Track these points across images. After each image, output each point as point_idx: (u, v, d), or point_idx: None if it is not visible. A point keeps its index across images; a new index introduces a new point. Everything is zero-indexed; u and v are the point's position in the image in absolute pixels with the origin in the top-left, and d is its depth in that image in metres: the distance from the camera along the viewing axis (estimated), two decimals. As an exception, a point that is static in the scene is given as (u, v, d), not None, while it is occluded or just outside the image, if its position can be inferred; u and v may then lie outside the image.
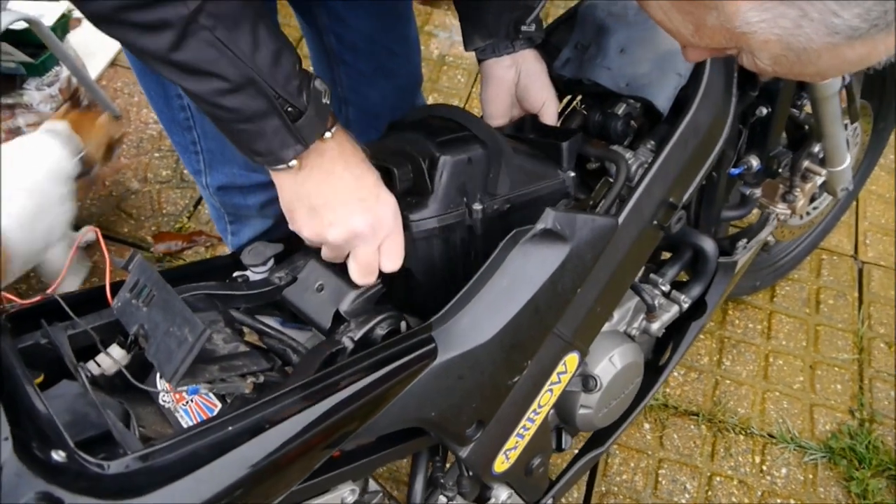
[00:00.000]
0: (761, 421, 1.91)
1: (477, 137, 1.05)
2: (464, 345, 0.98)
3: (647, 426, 1.88)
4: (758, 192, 1.48)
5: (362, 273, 0.98)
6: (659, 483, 1.81)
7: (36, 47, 2.26)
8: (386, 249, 0.97)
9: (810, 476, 1.84)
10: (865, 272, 2.22)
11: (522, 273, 1.01)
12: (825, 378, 1.99)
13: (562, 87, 1.29)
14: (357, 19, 1.39)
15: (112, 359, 0.90)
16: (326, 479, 1.00)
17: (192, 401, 0.94)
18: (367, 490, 1.13)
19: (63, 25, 2.34)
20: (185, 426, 0.94)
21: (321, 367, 0.92)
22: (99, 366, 0.91)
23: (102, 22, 0.77)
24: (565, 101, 1.35)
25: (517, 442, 1.15)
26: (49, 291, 0.97)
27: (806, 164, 1.59)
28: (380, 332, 0.99)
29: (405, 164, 1.02)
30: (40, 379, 0.89)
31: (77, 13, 2.59)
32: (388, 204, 0.96)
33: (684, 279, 1.40)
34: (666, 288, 1.33)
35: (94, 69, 2.54)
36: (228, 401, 0.93)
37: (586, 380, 1.24)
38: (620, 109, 1.21)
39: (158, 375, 0.95)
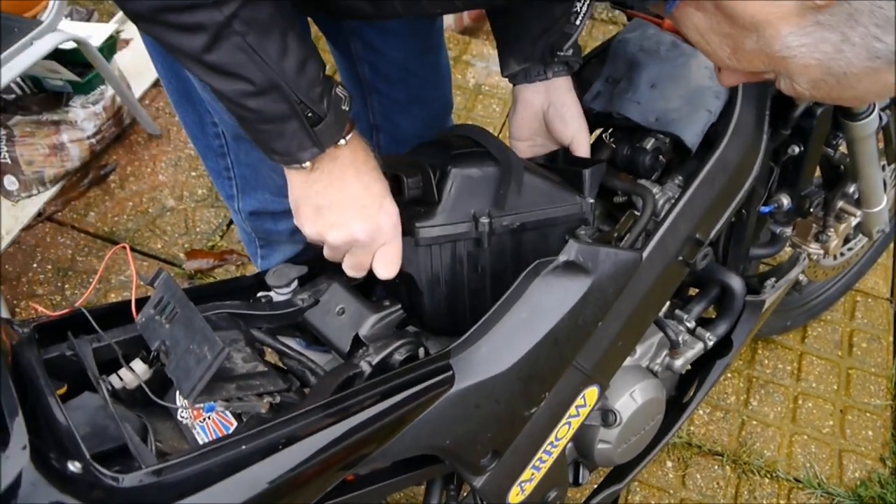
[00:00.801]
0: (788, 464, 1.86)
1: (490, 154, 1.06)
2: (481, 374, 0.98)
3: (669, 464, 1.85)
4: (788, 230, 1.46)
5: (352, 270, 1.01)
6: (681, 523, 1.78)
7: (83, 66, 2.33)
8: (381, 256, 0.99)
9: (838, 524, 1.79)
10: (901, 316, 2.17)
11: (543, 304, 1.01)
12: (856, 423, 1.95)
13: (592, 119, 1.29)
14: (390, 49, 1.41)
15: (133, 373, 0.92)
16: (339, 502, 1.00)
17: (209, 418, 0.95)
18: (380, 515, 1.13)
19: (110, 46, 2.41)
20: (201, 443, 0.95)
21: (338, 389, 0.93)
22: (121, 379, 0.93)
23: (141, 20, 0.81)
24: (595, 134, 1.35)
25: (533, 474, 1.14)
26: (77, 304, 0.99)
27: (840, 204, 1.57)
28: (398, 357, 0.99)
29: (416, 173, 1.04)
30: (63, 390, 0.91)
31: (124, 35, 2.68)
32: (389, 214, 0.98)
33: (711, 316, 1.39)
34: (691, 324, 1.32)
35: (138, 89, 2.61)
36: (245, 420, 0.93)
37: (606, 414, 1.23)
38: (649, 144, 1.21)
39: (177, 393, 0.96)
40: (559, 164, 1.23)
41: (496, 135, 1.17)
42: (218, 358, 0.82)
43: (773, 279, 1.43)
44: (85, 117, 2.37)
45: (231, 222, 2.32)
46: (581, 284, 1.02)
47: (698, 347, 1.32)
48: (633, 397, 1.25)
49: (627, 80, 1.25)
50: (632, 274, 1.07)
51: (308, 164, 0.91)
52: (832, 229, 1.59)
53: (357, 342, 1.01)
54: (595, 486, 1.43)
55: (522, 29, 1.17)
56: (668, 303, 1.30)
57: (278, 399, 0.93)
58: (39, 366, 0.86)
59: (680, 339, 1.29)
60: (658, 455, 1.83)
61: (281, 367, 1.06)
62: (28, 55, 2.02)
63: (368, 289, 1.13)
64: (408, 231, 1.02)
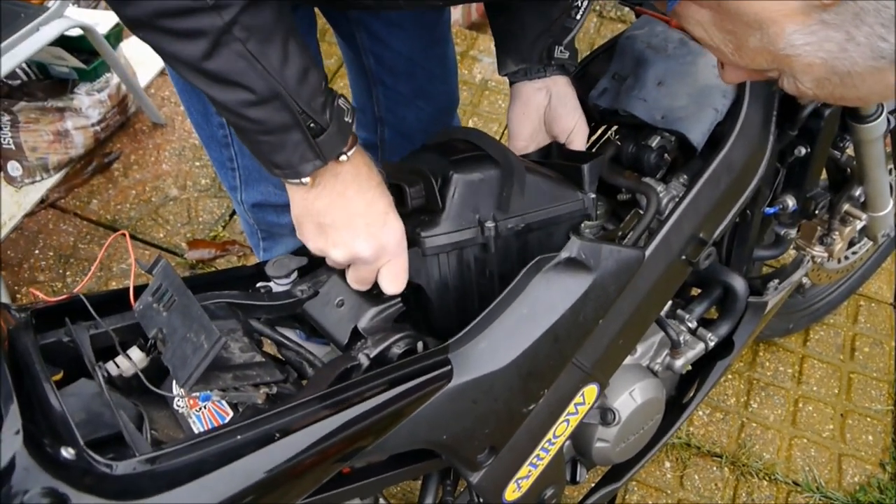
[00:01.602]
0: (787, 467, 1.86)
1: (490, 157, 1.05)
2: (480, 369, 0.98)
3: (667, 465, 1.85)
4: (793, 232, 1.45)
5: (356, 284, 1.00)
6: (678, 524, 1.77)
7: (89, 54, 2.33)
8: (386, 273, 0.97)
9: (836, 528, 1.78)
10: (905, 321, 2.16)
11: (544, 301, 1.01)
12: (856, 428, 1.94)
13: (597, 116, 1.29)
14: (397, 41, 1.40)
15: (130, 361, 0.91)
16: (335, 495, 0.99)
17: (204, 407, 0.95)
18: (376, 509, 1.13)
19: (117, 34, 2.40)
20: (196, 432, 0.94)
21: (335, 381, 0.92)
22: (118, 367, 0.93)
23: (138, 26, 0.79)
24: (600, 131, 1.35)
25: (530, 471, 1.14)
26: (76, 291, 0.99)
27: (846, 207, 1.56)
28: (396, 350, 0.99)
29: (418, 182, 1.03)
30: (59, 376, 0.90)
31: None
32: (394, 230, 0.95)
33: (713, 316, 1.38)
34: (693, 324, 1.31)
35: (143, 78, 2.61)
36: (241, 410, 0.93)
37: (605, 413, 1.22)
38: (654, 142, 1.20)
39: (174, 380, 0.96)
40: (553, 158, 1.22)
41: (501, 131, 1.16)
42: (215, 347, 0.81)
43: (777, 281, 1.42)
44: (90, 104, 2.37)
45: (234, 213, 2.32)
46: (583, 281, 1.02)
47: (699, 348, 1.31)
48: (632, 396, 1.24)
49: (634, 77, 1.24)
50: (634, 272, 1.07)
51: (308, 179, 0.89)
52: (837, 232, 1.58)
53: (356, 334, 1.00)
54: (592, 485, 1.42)
55: (520, 29, 1.17)
56: (669, 302, 1.29)
57: (275, 390, 0.92)
58: (36, 351, 0.86)
59: (681, 338, 1.28)
60: (656, 455, 1.82)
61: (279, 357, 1.05)
62: (34, 41, 2.01)
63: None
64: (413, 241, 1.00)
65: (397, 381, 0.92)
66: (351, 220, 0.93)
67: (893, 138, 1.53)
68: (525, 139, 1.21)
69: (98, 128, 2.41)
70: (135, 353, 0.94)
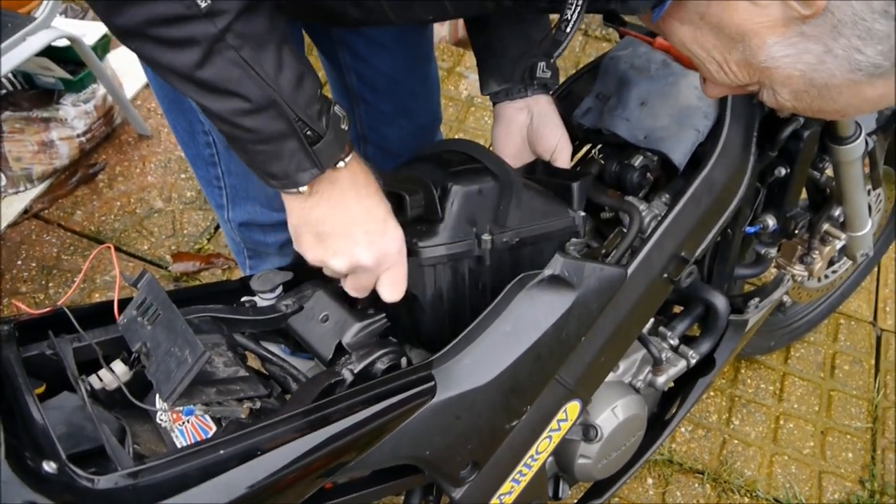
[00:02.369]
0: (768, 484, 1.87)
1: (489, 170, 1.06)
2: (463, 385, 0.98)
3: (650, 481, 1.85)
4: (773, 251, 1.47)
5: (355, 292, 0.99)
6: (659, 540, 1.78)
7: (76, 64, 2.33)
8: (386, 280, 0.97)
9: (816, 545, 1.79)
10: (884, 340, 2.18)
11: (527, 317, 1.01)
12: (836, 445, 1.96)
13: (581, 135, 1.30)
14: (379, 60, 1.41)
15: (113, 374, 0.91)
16: (316, 511, 0.99)
17: (188, 422, 0.94)
18: (357, 524, 1.12)
19: (104, 45, 2.40)
20: (179, 447, 0.94)
21: (319, 396, 0.92)
22: (100, 380, 0.92)
23: (129, 36, 0.77)
24: (584, 150, 1.36)
25: (513, 487, 1.14)
26: (60, 304, 0.98)
27: (825, 227, 1.59)
28: (380, 366, 0.99)
29: (417, 191, 1.03)
30: (41, 389, 0.90)
31: (118, 34, 2.67)
32: (394, 238, 0.95)
33: (695, 334, 1.39)
34: (674, 342, 1.32)
35: (130, 89, 2.61)
36: (224, 424, 0.93)
37: (587, 429, 1.23)
38: (637, 161, 1.22)
39: (157, 394, 0.96)
40: (539, 175, 1.24)
41: (487, 147, 1.17)
42: (199, 361, 0.82)
43: (757, 299, 1.43)
44: (75, 115, 2.36)
45: (219, 226, 2.31)
46: (565, 299, 1.03)
47: (681, 365, 1.32)
48: (614, 413, 1.25)
49: (617, 97, 1.26)
50: (616, 289, 1.08)
51: (306, 188, 0.87)
52: (817, 252, 1.60)
53: (340, 350, 1.01)
54: (575, 501, 1.43)
55: (502, 50, 1.18)
56: (652, 320, 1.30)
57: (258, 404, 0.92)
58: (18, 364, 0.86)
59: (663, 356, 1.29)
60: (639, 472, 1.83)
61: (263, 372, 1.06)
62: (21, 51, 2.01)
63: (353, 297, 1.12)
64: (411, 251, 1.00)
65: (381, 397, 0.93)
66: (350, 228, 0.92)
67: (871, 160, 1.55)
68: (509, 158, 1.22)
69: (83, 139, 2.41)
70: (118, 366, 0.93)
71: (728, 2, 0.75)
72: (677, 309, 1.40)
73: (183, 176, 2.45)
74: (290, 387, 1.01)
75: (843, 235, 1.60)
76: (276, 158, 0.84)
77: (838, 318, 2.21)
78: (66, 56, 2.28)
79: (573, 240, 1.16)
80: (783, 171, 1.32)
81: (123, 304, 0.96)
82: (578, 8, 0.83)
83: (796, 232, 1.45)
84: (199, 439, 0.94)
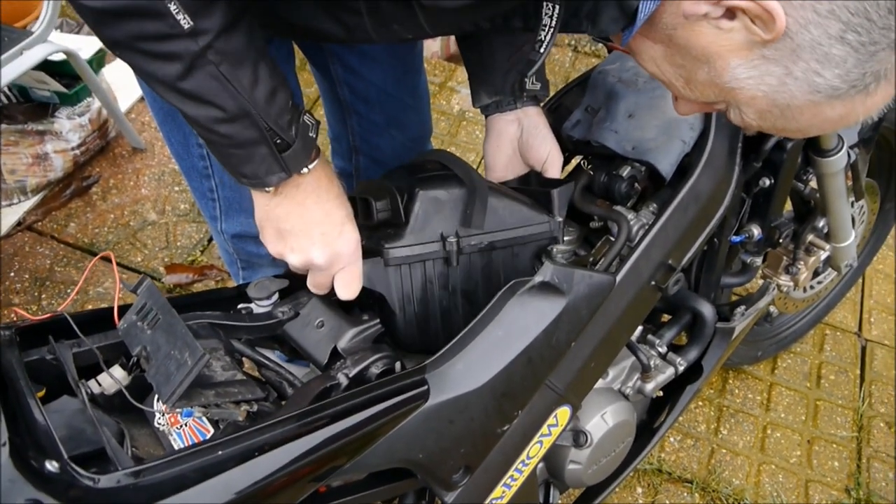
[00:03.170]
0: (755, 493, 1.89)
1: (456, 176, 1.10)
2: (456, 389, 1.00)
3: (639, 490, 1.87)
4: (759, 260, 1.50)
5: (314, 289, 1.05)
6: (649, 549, 1.79)
7: (71, 78, 2.35)
8: (340, 279, 1.02)
9: (803, 553, 1.81)
10: (868, 350, 2.22)
11: (518, 323, 1.04)
12: (822, 454, 1.98)
13: (570, 147, 1.33)
14: (370, 72, 1.44)
15: (113, 378, 0.93)
16: (312, 513, 1.01)
17: (186, 424, 0.96)
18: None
19: (99, 59, 2.43)
20: (177, 449, 0.96)
21: (314, 400, 0.94)
22: (100, 385, 0.94)
23: (118, 47, 0.82)
24: (574, 161, 1.39)
25: (504, 492, 1.16)
26: (59, 310, 1.00)
27: (810, 237, 1.62)
28: (375, 370, 1.01)
29: (384, 196, 1.08)
30: (42, 393, 0.91)
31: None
32: (348, 240, 1.00)
33: (683, 343, 1.42)
34: (663, 349, 1.35)
35: (124, 103, 2.63)
36: (222, 427, 0.95)
37: (577, 435, 1.25)
38: (625, 172, 1.24)
39: (156, 398, 0.97)
40: (532, 185, 1.27)
41: (479, 161, 1.20)
42: (199, 364, 0.84)
43: (744, 307, 1.46)
44: (70, 128, 2.38)
45: (212, 238, 2.33)
46: (556, 305, 1.05)
47: (669, 372, 1.35)
48: (604, 419, 1.27)
49: (606, 109, 1.29)
50: (605, 296, 1.10)
51: (271, 189, 0.94)
52: (802, 262, 1.63)
53: (335, 355, 1.03)
54: (565, 508, 1.45)
55: (492, 63, 1.21)
56: (640, 327, 1.33)
57: (255, 408, 0.94)
58: (20, 367, 0.87)
59: (651, 363, 1.32)
60: (628, 480, 1.85)
61: (259, 378, 1.07)
62: (17, 65, 2.03)
63: (348, 303, 1.15)
64: (377, 252, 1.06)
65: (375, 401, 0.95)
66: (308, 228, 0.98)
67: (853, 172, 1.59)
68: (501, 170, 1.25)
69: (78, 151, 2.42)
70: (117, 371, 0.95)
71: (693, 25, 0.79)
72: (665, 317, 1.43)
73: (177, 188, 2.47)
74: (286, 392, 1.03)
75: (828, 246, 1.63)
76: (248, 161, 0.91)
77: (824, 329, 2.24)
78: (61, 70, 2.30)
79: (560, 247, 1.19)
80: (767, 182, 1.36)
81: (122, 311, 0.98)
82: (552, 30, 0.87)
83: (781, 241, 1.48)
84: (196, 442, 0.95)
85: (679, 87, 0.87)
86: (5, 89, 2.34)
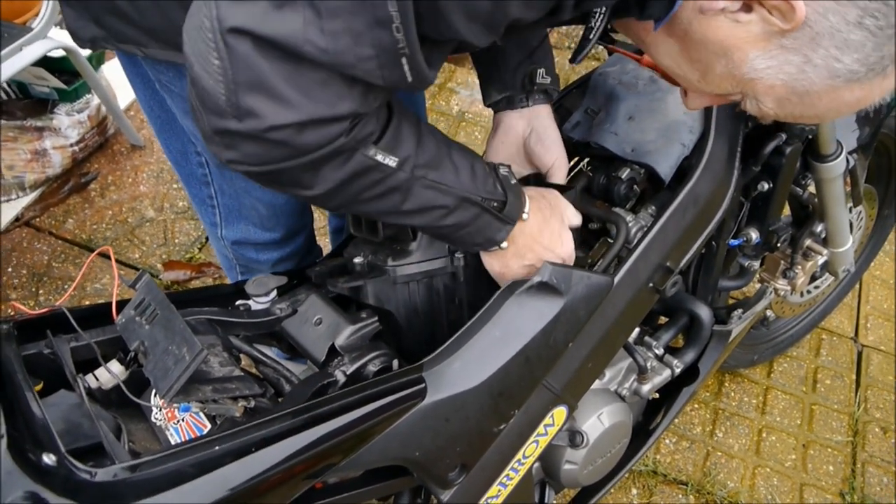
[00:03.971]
0: (750, 496, 1.89)
1: None
2: (453, 388, 1.00)
3: (634, 491, 1.88)
4: (756, 264, 1.50)
5: None
6: (644, 551, 1.80)
7: (70, 74, 2.35)
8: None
9: (797, 557, 1.82)
10: (865, 355, 2.22)
11: (516, 323, 1.04)
12: (817, 458, 1.99)
13: (570, 148, 1.33)
14: None
15: (110, 373, 0.93)
16: (308, 510, 1.01)
17: (183, 420, 0.96)
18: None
19: (99, 56, 2.43)
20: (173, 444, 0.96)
21: (312, 396, 0.94)
22: (97, 379, 0.94)
23: (343, 207, 0.88)
24: (573, 162, 1.39)
25: (500, 491, 1.16)
26: (57, 304, 1.00)
27: (808, 242, 1.62)
28: (372, 368, 1.01)
29: None
30: (39, 387, 0.91)
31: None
32: (568, 246, 1.09)
33: (680, 346, 1.42)
34: (659, 351, 1.35)
35: (123, 100, 2.62)
36: (219, 423, 0.95)
37: (573, 435, 1.25)
38: (624, 174, 1.25)
39: (153, 393, 0.97)
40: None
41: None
42: (197, 359, 0.84)
43: (741, 311, 1.47)
44: (69, 125, 2.38)
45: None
46: (554, 305, 1.05)
47: (666, 374, 1.35)
48: (600, 419, 1.27)
49: (606, 111, 1.29)
50: (603, 297, 1.10)
51: (506, 244, 1.01)
52: (799, 266, 1.64)
53: (333, 352, 1.03)
54: (560, 509, 1.45)
55: (502, 59, 1.21)
56: (638, 329, 1.33)
57: (253, 403, 0.94)
58: (18, 361, 0.87)
59: (648, 364, 1.32)
60: (623, 482, 1.85)
61: (256, 375, 1.07)
62: (16, 61, 2.03)
63: (346, 301, 1.15)
64: (383, 270, 1.08)
65: (372, 398, 0.95)
66: (542, 255, 1.05)
67: (852, 177, 1.59)
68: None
69: (76, 148, 2.42)
70: (114, 366, 0.95)
71: (710, 20, 0.79)
72: (662, 319, 1.43)
73: (175, 186, 2.47)
74: (284, 388, 1.03)
75: (825, 251, 1.63)
76: (478, 234, 0.98)
77: (820, 334, 2.24)
78: (60, 66, 2.30)
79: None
80: (766, 186, 1.36)
81: (120, 306, 0.98)
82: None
83: (779, 246, 1.48)
84: (193, 437, 0.95)
85: (694, 80, 0.87)
86: (4, 85, 2.34)
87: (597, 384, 1.29)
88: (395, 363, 1.04)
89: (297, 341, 1.07)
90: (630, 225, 1.20)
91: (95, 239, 2.32)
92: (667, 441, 1.98)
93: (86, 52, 2.31)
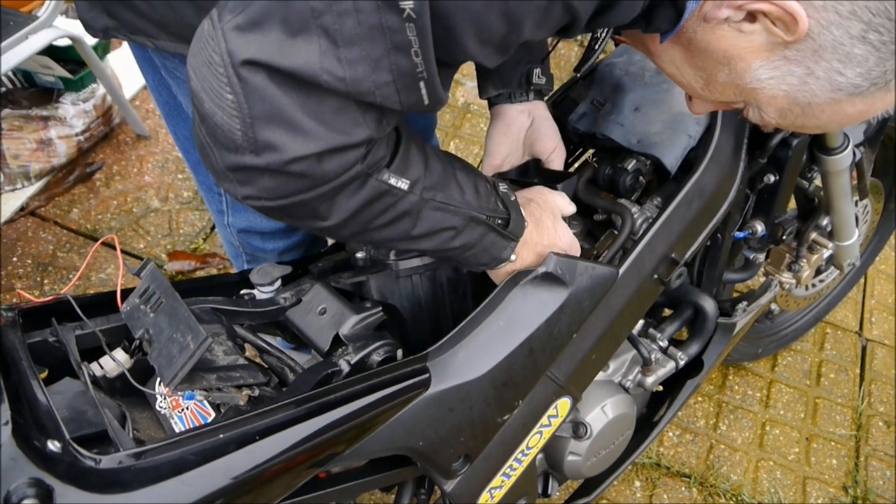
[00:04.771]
0: (753, 489, 1.90)
1: None
2: (457, 378, 1.00)
3: (637, 484, 1.88)
4: (762, 257, 1.50)
5: None
6: (646, 543, 1.80)
7: (76, 64, 2.35)
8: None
9: (800, 550, 1.82)
10: (869, 349, 2.22)
11: (520, 313, 1.04)
12: (821, 451, 1.98)
13: (576, 139, 1.33)
14: None
15: (115, 361, 0.93)
16: (309, 499, 1.01)
17: (187, 408, 0.96)
18: (350, 515, 1.14)
19: (104, 46, 2.42)
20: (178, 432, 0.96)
21: (316, 386, 0.94)
22: (101, 367, 0.95)
23: (354, 237, 0.87)
24: (579, 153, 1.39)
25: (503, 481, 1.16)
26: (63, 292, 1.00)
27: (813, 235, 1.62)
28: (376, 357, 1.01)
29: None
30: (44, 374, 0.92)
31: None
32: (565, 237, 1.09)
33: (684, 338, 1.42)
34: (664, 343, 1.35)
35: (129, 89, 2.63)
36: (223, 411, 0.95)
37: (577, 426, 1.25)
38: (630, 165, 1.24)
39: (158, 381, 0.98)
40: (531, 177, 1.26)
41: (483, 154, 1.20)
42: (201, 347, 0.84)
43: (745, 303, 1.46)
44: (74, 114, 2.38)
45: (214, 227, 2.33)
46: (558, 296, 1.05)
47: (670, 366, 1.35)
48: (604, 411, 1.27)
49: (612, 102, 1.28)
50: (608, 288, 1.10)
51: (514, 257, 1.00)
52: (805, 259, 1.63)
53: (337, 341, 1.03)
54: (564, 501, 1.45)
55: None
56: (642, 321, 1.33)
57: (257, 392, 0.94)
58: (23, 348, 0.87)
59: (652, 356, 1.32)
60: (626, 474, 1.86)
61: (261, 364, 1.07)
62: (22, 49, 2.03)
63: (350, 291, 1.15)
64: (385, 264, 1.07)
65: (376, 387, 0.95)
66: (543, 253, 1.04)
67: (858, 170, 1.58)
68: (500, 158, 1.25)
69: (81, 137, 2.42)
70: (119, 354, 0.96)
71: (714, 29, 0.79)
72: (667, 311, 1.43)
73: (180, 176, 2.47)
74: (288, 378, 1.03)
75: (831, 244, 1.63)
76: (484, 253, 0.97)
77: (825, 328, 2.24)
78: (66, 55, 2.30)
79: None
80: (772, 178, 1.35)
81: (125, 294, 0.98)
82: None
83: (784, 238, 1.48)
84: (198, 425, 0.96)
85: (698, 88, 0.87)
86: (10, 74, 2.34)
87: (601, 376, 1.29)
88: (400, 353, 1.04)
89: (301, 331, 1.07)
90: (635, 216, 1.19)
91: (100, 229, 2.32)
92: (670, 434, 1.98)
93: (92, 42, 2.31)
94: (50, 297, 0.99)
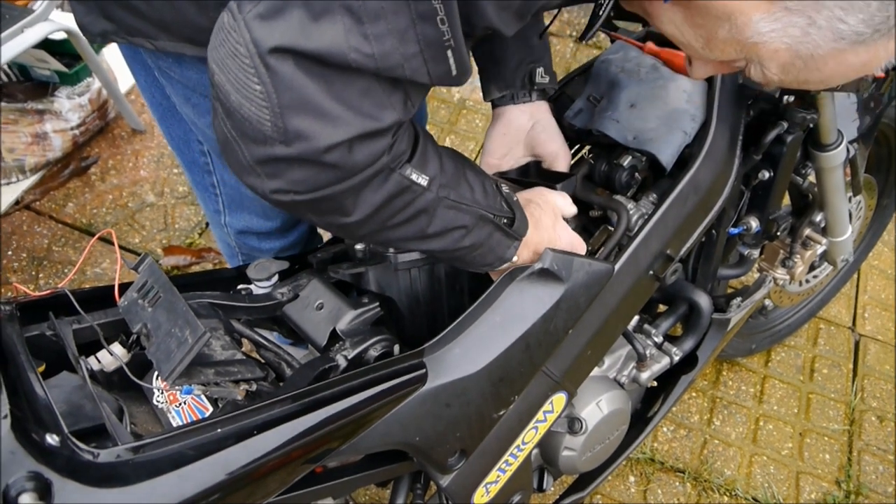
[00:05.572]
0: (747, 484, 1.91)
1: None
2: (453, 373, 1.01)
3: (632, 479, 1.89)
4: (756, 253, 1.51)
5: None
6: (640, 537, 1.81)
7: (72, 58, 2.34)
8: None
9: (792, 544, 1.83)
10: (862, 345, 2.23)
11: (516, 309, 1.04)
12: (814, 446, 2.00)
13: (572, 136, 1.34)
14: None
15: (113, 355, 0.93)
16: (306, 493, 1.02)
17: (185, 402, 0.97)
18: (346, 509, 1.15)
19: (99, 39, 2.41)
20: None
21: (313, 381, 0.95)
22: (99, 361, 0.95)
23: (369, 237, 0.88)
24: (574, 149, 1.39)
25: (499, 476, 1.17)
26: (60, 286, 1.00)
27: (807, 231, 1.63)
28: (373, 353, 1.02)
29: None
30: (41, 368, 0.92)
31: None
32: (564, 236, 1.10)
33: (678, 334, 1.43)
34: (658, 339, 1.35)
35: (124, 84, 2.62)
36: (220, 405, 0.95)
37: (572, 422, 1.26)
38: (626, 161, 1.25)
39: (155, 376, 0.98)
40: (532, 177, 1.27)
41: (478, 150, 1.20)
42: (199, 341, 0.84)
43: (740, 299, 1.47)
44: (70, 108, 2.38)
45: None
46: (554, 292, 1.05)
47: (664, 362, 1.36)
48: (599, 406, 1.28)
49: (608, 99, 1.29)
50: (603, 284, 1.11)
51: (516, 258, 1.00)
52: (798, 256, 1.64)
53: (334, 336, 1.03)
54: (559, 495, 1.46)
55: (503, 58, 1.21)
56: (637, 317, 1.33)
57: (255, 387, 0.94)
58: (21, 342, 0.88)
59: (647, 352, 1.33)
60: (621, 469, 1.87)
61: (258, 359, 1.08)
62: (18, 43, 2.03)
63: (347, 286, 1.15)
64: (384, 257, 1.08)
65: (373, 382, 0.95)
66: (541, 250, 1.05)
67: (852, 167, 1.59)
68: (498, 157, 1.25)
69: (77, 131, 2.42)
70: (117, 348, 0.96)
71: None
72: (662, 307, 1.44)
73: (175, 171, 2.47)
74: (285, 373, 1.04)
75: (824, 240, 1.64)
76: (490, 252, 0.97)
77: (818, 323, 2.25)
78: (62, 49, 2.29)
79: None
80: (767, 175, 1.36)
81: (123, 289, 0.98)
82: None
83: (779, 235, 1.48)
84: (195, 420, 0.96)
85: (698, 47, 0.86)
86: (5, 67, 2.34)
87: (596, 371, 1.30)
88: (396, 348, 1.04)
89: (298, 326, 1.07)
90: (631, 212, 1.20)
91: (96, 223, 2.32)
92: (664, 429, 1.99)
93: (86, 36, 2.30)
94: (48, 291, 0.99)
